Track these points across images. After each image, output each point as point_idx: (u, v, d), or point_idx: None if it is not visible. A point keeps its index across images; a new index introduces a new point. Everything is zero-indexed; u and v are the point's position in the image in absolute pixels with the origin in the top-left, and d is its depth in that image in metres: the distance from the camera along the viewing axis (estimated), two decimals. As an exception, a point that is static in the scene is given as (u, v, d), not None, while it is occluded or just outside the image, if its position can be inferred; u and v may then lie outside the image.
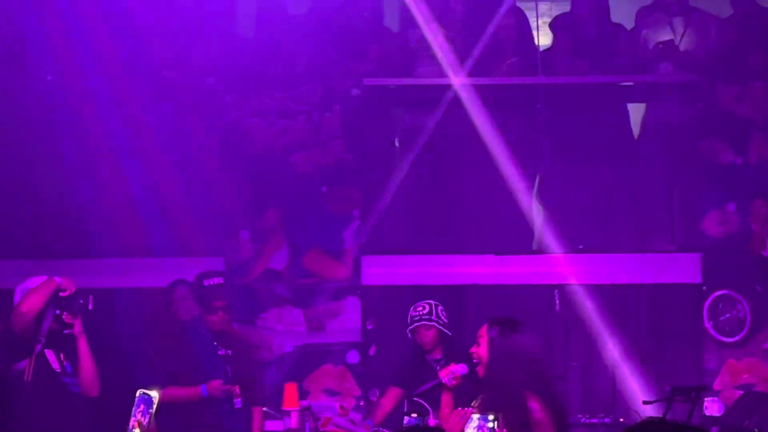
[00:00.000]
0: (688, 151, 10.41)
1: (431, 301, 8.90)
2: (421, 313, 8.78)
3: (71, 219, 10.23)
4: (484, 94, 10.25)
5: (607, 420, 8.70)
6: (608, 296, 10.25)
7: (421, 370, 8.79)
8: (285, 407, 8.62)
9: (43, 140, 10.11)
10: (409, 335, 8.86)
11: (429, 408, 7.91)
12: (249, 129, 10.35)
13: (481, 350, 6.56)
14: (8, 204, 10.15)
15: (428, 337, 8.75)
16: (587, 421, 8.63)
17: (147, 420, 5.33)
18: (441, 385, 7.07)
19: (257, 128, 10.35)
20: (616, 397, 10.08)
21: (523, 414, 6.35)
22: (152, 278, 10.05)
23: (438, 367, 8.59)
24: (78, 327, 7.67)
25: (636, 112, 10.70)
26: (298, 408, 8.61)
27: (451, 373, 7.05)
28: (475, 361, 6.64)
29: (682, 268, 10.30)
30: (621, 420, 8.75)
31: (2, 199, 10.12)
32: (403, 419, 8.47)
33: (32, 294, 7.54)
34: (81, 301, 7.66)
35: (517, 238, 10.53)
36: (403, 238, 10.52)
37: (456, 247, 10.38)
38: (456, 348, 8.69)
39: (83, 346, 7.72)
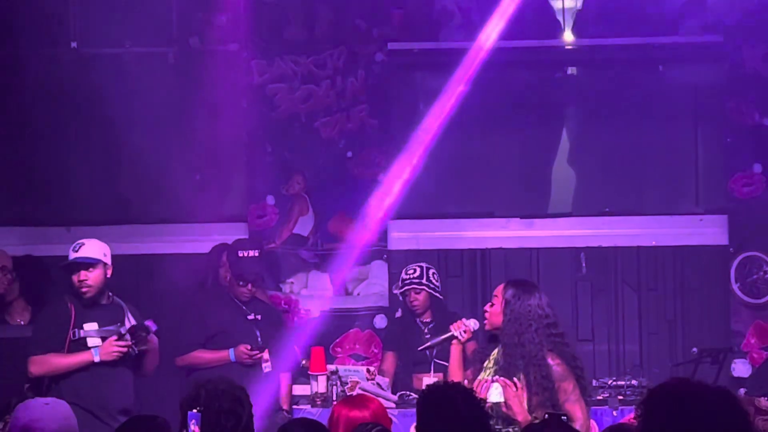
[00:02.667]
0: (713, 112, 10.36)
1: (423, 264, 9.03)
2: (411, 276, 8.90)
3: (107, 186, 10.30)
4: (512, 57, 10.22)
5: (634, 382, 8.70)
6: (635, 259, 10.24)
7: (411, 333, 8.88)
8: (312, 371, 8.66)
9: (85, 107, 10.14)
10: (400, 297, 8.99)
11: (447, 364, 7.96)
12: (273, 94, 10.35)
13: (494, 309, 6.63)
14: (48, 172, 10.21)
15: (418, 300, 8.88)
16: (614, 383, 8.64)
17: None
18: (453, 338, 7.09)
19: (281, 94, 10.35)
20: (643, 360, 10.09)
21: (543, 372, 6.40)
22: (179, 244, 10.11)
23: (426, 330, 8.71)
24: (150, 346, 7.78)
25: (662, 73, 10.65)
26: (325, 372, 8.65)
27: (463, 326, 7.06)
28: (486, 317, 6.70)
29: (708, 230, 10.28)
30: (648, 382, 8.75)
31: (43, 166, 10.18)
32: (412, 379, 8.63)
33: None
34: (143, 333, 7.70)
35: (544, 201, 10.53)
36: (429, 202, 10.52)
37: (482, 211, 10.39)
38: (447, 312, 8.80)
39: (150, 356, 7.87)
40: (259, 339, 8.41)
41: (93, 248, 7.78)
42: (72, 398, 6.96)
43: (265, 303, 9.03)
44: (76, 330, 7.72)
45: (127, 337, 7.66)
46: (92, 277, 7.72)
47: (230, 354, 8.30)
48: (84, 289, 7.73)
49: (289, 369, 8.62)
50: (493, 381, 6.29)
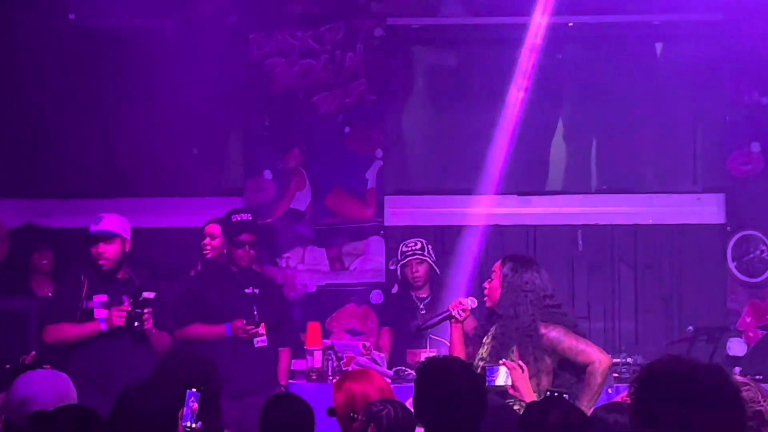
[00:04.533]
0: (712, 90, 10.34)
1: (422, 239, 9.04)
2: (413, 248, 8.94)
3: (104, 158, 10.31)
4: (508, 34, 10.19)
5: (629, 360, 8.73)
6: (632, 237, 10.25)
7: (407, 309, 8.89)
8: (308, 346, 8.68)
9: (83, 79, 10.13)
10: (398, 271, 8.99)
11: (446, 342, 7.96)
12: (271, 69, 10.33)
13: (493, 285, 6.73)
14: (45, 144, 10.20)
15: (420, 271, 8.91)
16: (609, 360, 8.65)
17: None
18: (450, 317, 7.10)
19: (279, 68, 10.33)
20: (638, 338, 10.11)
21: (535, 343, 6.48)
22: (176, 218, 10.11)
23: (422, 306, 8.72)
24: (148, 324, 7.80)
25: (660, 51, 10.63)
26: (321, 347, 8.67)
27: (460, 305, 7.08)
28: (486, 294, 6.77)
29: (705, 209, 10.28)
30: (643, 360, 8.76)
31: (40, 138, 10.17)
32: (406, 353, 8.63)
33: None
34: (142, 301, 7.77)
35: (541, 179, 10.52)
36: (426, 178, 10.52)
37: (479, 188, 10.38)
38: (443, 288, 8.81)
39: (157, 334, 7.90)
40: (256, 313, 8.38)
41: (112, 222, 7.92)
42: (80, 374, 7.07)
43: (264, 277, 9.01)
44: (86, 302, 7.83)
45: (126, 303, 7.73)
46: (109, 251, 7.88)
47: (226, 329, 8.30)
48: (101, 262, 7.88)
49: (288, 344, 8.59)
50: (500, 365, 6.33)
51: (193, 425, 5.27)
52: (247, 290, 8.47)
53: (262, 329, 8.34)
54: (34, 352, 7.76)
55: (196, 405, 5.26)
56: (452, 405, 4.90)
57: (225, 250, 8.71)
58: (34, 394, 4.86)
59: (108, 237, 7.86)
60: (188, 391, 5.24)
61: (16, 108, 10.16)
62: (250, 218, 8.57)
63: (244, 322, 8.27)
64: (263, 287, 8.59)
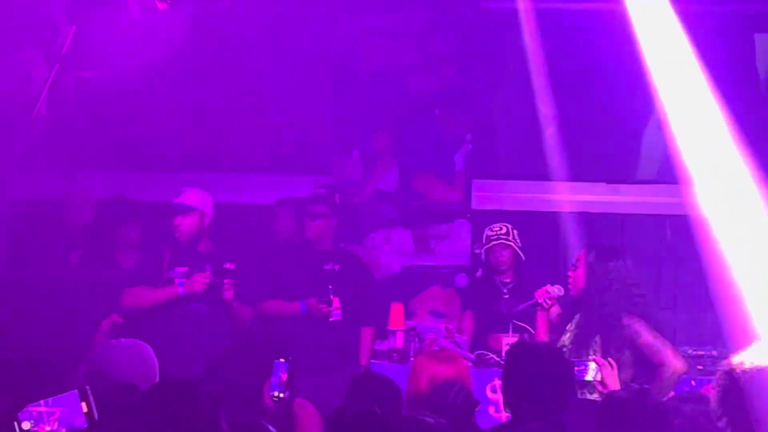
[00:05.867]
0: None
1: (508, 224, 8.95)
2: (498, 232, 8.86)
3: (194, 133, 10.40)
4: (602, 18, 10.09)
5: (714, 352, 8.62)
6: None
7: (489, 293, 8.84)
8: (390, 327, 8.67)
9: (173, 54, 10.21)
10: (483, 255, 8.93)
11: (530, 329, 7.93)
12: (364, 49, 10.33)
13: (577, 273, 6.68)
14: (137, 118, 10.31)
15: (504, 256, 8.82)
16: (694, 352, 8.56)
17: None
18: (536, 306, 7.08)
19: (372, 48, 10.33)
20: (723, 330, 9.97)
21: (620, 336, 6.42)
22: (262, 195, 10.16)
23: (505, 291, 8.66)
24: (228, 294, 7.90)
25: (760, 42, 10.48)
26: (404, 328, 8.67)
27: (547, 293, 7.05)
28: (570, 282, 6.73)
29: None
30: (729, 353, 8.65)
31: (132, 112, 10.28)
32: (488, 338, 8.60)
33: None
34: (224, 271, 7.91)
35: (630, 167, 10.42)
36: (515, 162, 10.47)
37: (567, 174, 10.30)
38: (527, 274, 8.73)
39: (235, 307, 8.00)
40: (331, 289, 8.37)
41: (192, 196, 8.08)
42: (159, 340, 7.19)
43: (349, 254, 8.91)
44: (167, 272, 7.92)
45: (208, 272, 7.82)
46: (186, 223, 8.03)
47: (301, 306, 8.33)
48: (178, 234, 8.05)
49: (372, 324, 8.57)
50: (590, 360, 6.30)
51: (281, 395, 5.32)
52: (326, 266, 8.48)
53: (336, 303, 8.34)
54: (114, 316, 7.86)
55: (285, 375, 5.31)
56: (539, 390, 4.87)
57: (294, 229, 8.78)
58: (113, 363, 4.89)
59: (185, 210, 7.99)
60: (276, 361, 5.30)
61: (107, 81, 10.26)
62: (324, 192, 8.62)
63: (317, 300, 8.28)
64: (344, 264, 8.56)
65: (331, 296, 8.33)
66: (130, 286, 8.08)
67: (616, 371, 6.27)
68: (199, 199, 8.08)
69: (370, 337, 8.54)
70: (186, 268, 8.01)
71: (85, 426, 3.23)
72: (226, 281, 7.89)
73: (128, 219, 9.39)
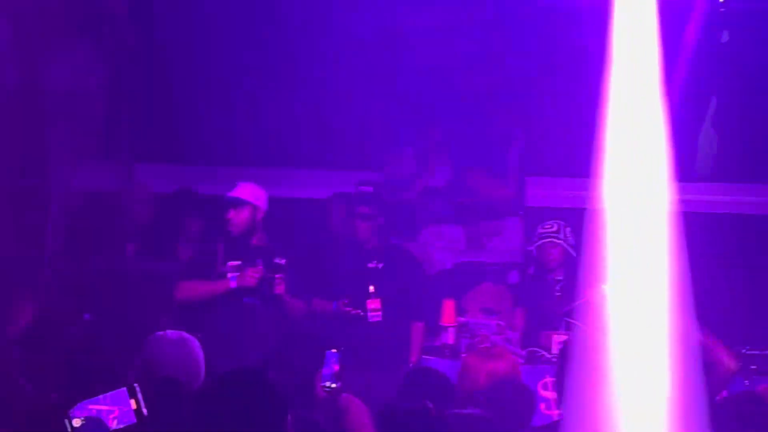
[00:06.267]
0: None
1: (560, 221, 8.91)
2: (549, 230, 8.84)
3: (253, 128, 10.44)
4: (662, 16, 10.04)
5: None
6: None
7: (540, 290, 8.82)
8: (442, 323, 8.68)
9: (236, 49, 10.27)
10: (534, 252, 8.91)
11: (582, 326, 7.89)
12: (418, 45, 10.34)
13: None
14: (199, 112, 10.36)
15: (553, 254, 8.80)
16: (748, 352, 8.51)
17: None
18: (587, 304, 7.05)
19: (426, 44, 10.33)
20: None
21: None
22: (316, 190, 10.20)
23: (557, 288, 8.63)
24: (279, 288, 7.95)
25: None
26: (455, 324, 8.67)
27: (597, 292, 7.03)
28: None
29: None
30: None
31: (195, 106, 10.33)
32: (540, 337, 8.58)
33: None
34: (275, 266, 7.94)
35: (687, 165, 10.36)
36: (568, 160, 10.44)
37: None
38: (579, 272, 8.66)
39: (287, 301, 8.05)
40: (371, 289, 8.35)
41: (244, 190, 8.13)
42: (211, 333, 7.30)
43: (396, 250, 8.86)
44: (221, 266, 7.97)
45: (260, 266, 7.87)
46: (239, 217, 8.08)
47: (334, 306, 8.33)
48: (230, 228, 8.09)
49: (421, 320, 8.55)
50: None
51: (333, 385, 5.34)
52: (370, 264, 8.45)
53: (376, 304, 8.32)
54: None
55: (337, 366, 5.33)
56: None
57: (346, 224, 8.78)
58: (158, 355, 4.89)
59: (237, 204, 8.02)
60: (328, 352, 5.32)
61: (169, 75, 10.33)
62: (371, 191, 8.63)
63: (346, 302, 8.26)
64: (390, 261, 8.52)
65: (372, 297, 8.31)
66: (184, 280, 8.14)
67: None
68: (252, 193, 8.12)
69: (419, 333, 8.53)
70: (238, 262, 8.06)
71: (134, 422, 3.26)
72: (277, 276, 7.93)
73: (192, 212, 9.46)
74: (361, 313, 8.27)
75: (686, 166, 10.36)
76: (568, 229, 8.93)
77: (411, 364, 8.30)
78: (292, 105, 10.28)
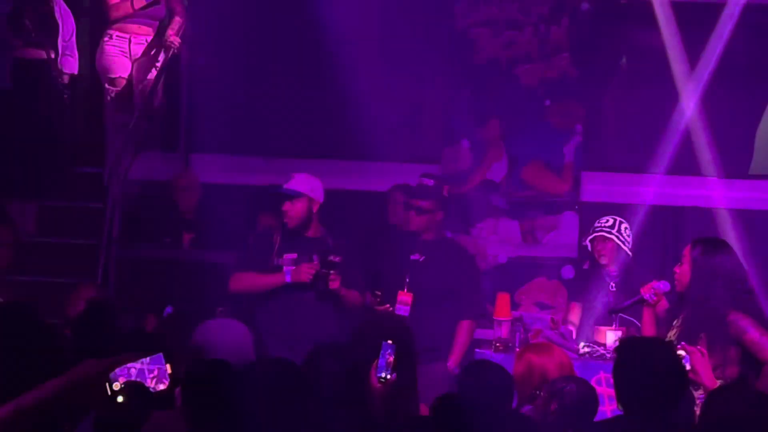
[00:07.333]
0: None
1: (618, 217, 8.82)
2: (603, 224, 8.74)
3: (305, 119, 10.47)
4: (713, 13, 9.99)
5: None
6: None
7: (595, 285, 8.76)
8: (496, 317, 8.65)
9: (290, 42, 10.30)
10: (588, 246, 8.84)
11: (636, 322, 7.87)
12: (476, 39, 10.34)
13: (683, 269, 6.57)
14: (254, 104, 10.41)
15: (605, 249, 8.67)
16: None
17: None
18: (643, 301, 7.04)
19: (484, 38, 10.33)
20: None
21: (725, 332, 6.31)
22: (373, 182, 10.21)
23: (612, 284, 8.57)
24: (334, 284, 7.94)
25: None
26: (509, 318, 8.65)
27: (652, 289, 7.01)
28: (676, 279, 6.64)
29: None
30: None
31: (250, 99, 10.39)
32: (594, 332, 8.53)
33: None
34: (331, 262, 7.92)
35: (742, 161, 10.29)
36: (625, 156, 10.40)
37: (678, 168, 10.20)
38: (635, 268, 8.61)
39: (344, 294, 8.01)
40: (408, 281, 8.18)
41: (299, 181, 8.07)
42: (266, 329, 7.33)
43: (451, 245, 8.71)
44: (276, 258, 8.00)
45: (316, 261, 7.89)
46: (293, 209, 8.02)
47: (366, 299, 8.24)
48: (285, 220, 8.06)
49: (469, 317, 8.34)
50: (679, 348, 6.22)
51: (388, 376, 5.36)
52: (413, 257, 8.29)
53: (406, 298, 8.14)
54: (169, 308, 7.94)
55: (392, 357, 5.34)
56: (652, 384, 4.83)
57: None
58: (208, 341, 4.92)
59: (292, 196, 8.01)
60: (384, 342, 5.34)
61: (225, 65, 10.40)
62: (431, 184, 8.53)
63: (378, 294, 8.13)
64: (435, 255, 8.31)
65: (405, 289, 8.15)
66: (239, 271, 8.17)
67: (707, 360, 6.16)
68: (307, 184, 8.08)
69: (465, 332, 8.29)
70: (294, 255, 8.04)
71: (173, 385, 3.32)
72: (332, 272, 7.91)
73: (268, 208, 9.43)
74: (389, 308, 8.13)
75: (742, 164, 10.30)
76: (623, 226, 8.85)
77: (450, 363, 8.20)
78: (349, 96, 10.29)
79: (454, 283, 8.27)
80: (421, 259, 8.27)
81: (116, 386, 3.23)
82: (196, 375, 4.67)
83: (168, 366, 3.30)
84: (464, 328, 8.28)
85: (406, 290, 8.18)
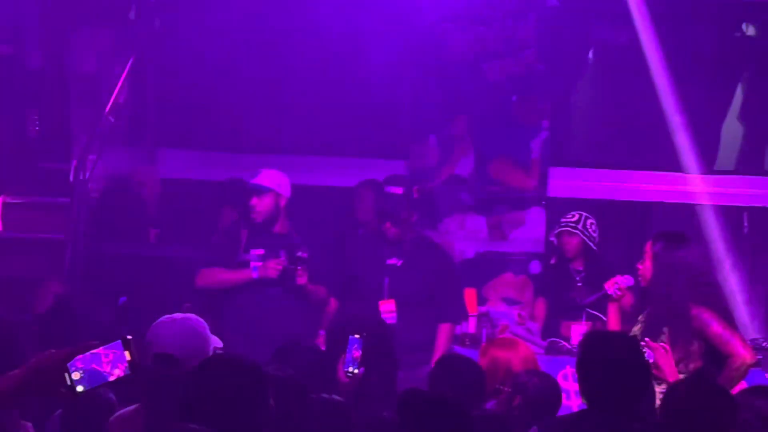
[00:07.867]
0: None
1: (584, 213, 8.87)
2: (569, 220, 8.81)
3: (276, 115, 10.45)
4: (682, 9, 10.02)
5: (790, 347, 8.53)
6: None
7: (562, 281, 8.80)
8: (463, 312, 8.68)
9: (258, 36, 10.28)
10: (554, 241, 8.88)
11: (603, 317, 7.91)
12: (443, 34, 10.34)
13: (645, 265, 6.56)
14: (220, 98, 10.38)
15: (570, 244, 8.77)
16: (767, 345, 8.49)
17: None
18: (607, 297, 7.06)
19: (451, 33, 10.33)
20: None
21: (688, 326, 6.32)
22: (335, 178, 10.20)
23: (578, 279, 8.62)
24: (301, 280, 7.92)
25: None
26: (476, 313, 8.66)
27: (616, 284, 7.03)
28: (639, 274, 6.65)
29: None
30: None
31: (216, 93, 10.35)
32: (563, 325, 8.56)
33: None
34: (297, 258, 7.91)
35: (709, 157, 10.34)
36: (592, 151, 10.43)
37: (644, 164, 10.25)
38: (601, 263, 8.64)
39: (310, 290, 8.02)
40: (386, 287, 8.04)
41: (267, 177, 8.08)
42: (233, 325, 7.32)
43: (428, 246, 8.41)
44: (243, 254, 7.99)
45: (283, 257, 7.88)
46: (260, 204, 8.03)
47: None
48: (252, 215, 8.04)
49: (449, 319, 8.11)
50: (642, 344, 6.23)
51: (355, 371, 5.35)
52: (389, 261, 8.11)
53: (390, 305, 7.98)
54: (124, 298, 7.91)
55: (358, 352, 5.33)
56: (615, 379, 4.84)
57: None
58: (156, 336, 4.88)
59: (260, 191, 8.00)
60: (351, 337, 5.33)
61: (191, 60, 10.36)
62: (400, 192, 8.51)
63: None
64: (411, 257, 8.12)
65: (385, 298, 7.99)
66: (206, 267, 8.15)
67: (670, 355, 6.17)
68: (275, 180, 8.08)
69: (445, 335, 8.05)
70: (262, 251, 8.03)
71: (129, 374, 3.31)
72: (299, 267, 7.91)
73: (231, 202, 9.40)
74: (383, 311, 7.97)
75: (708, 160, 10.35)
76: (589, 221, 8.89)
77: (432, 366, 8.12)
78: (316, 92, 10.29)
79: (435, 286, 8.11)
80: (398, 264, 8.10)
81: (75, 375, 3.23)
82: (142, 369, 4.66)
83: (127, 353, 3.30)
84: (445, 331, 8.06)
85: (386, 298, 8.02)
